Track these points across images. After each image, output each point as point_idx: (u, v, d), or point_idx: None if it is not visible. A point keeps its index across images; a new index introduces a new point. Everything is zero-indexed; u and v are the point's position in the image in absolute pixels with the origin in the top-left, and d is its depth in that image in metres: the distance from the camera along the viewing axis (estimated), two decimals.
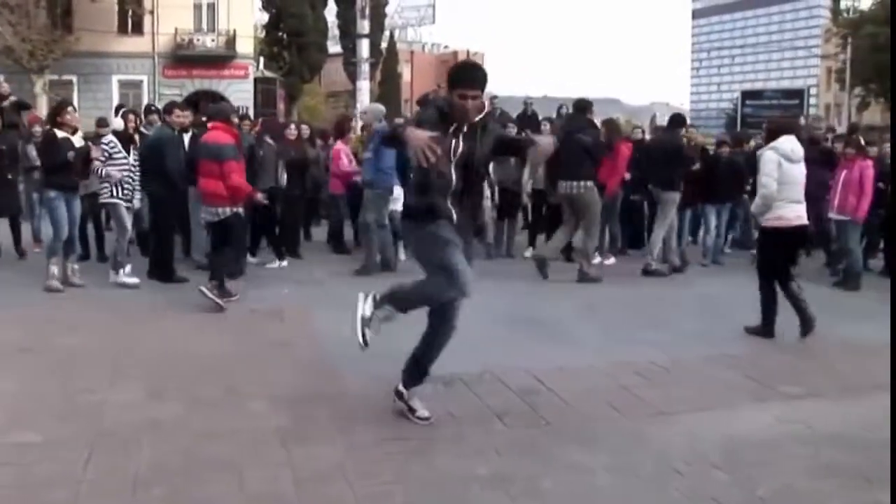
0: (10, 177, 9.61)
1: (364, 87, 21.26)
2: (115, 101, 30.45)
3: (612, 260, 10.62)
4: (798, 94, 25.96)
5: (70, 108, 8.44)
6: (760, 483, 3.96)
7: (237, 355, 5.97)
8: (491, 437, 4.50)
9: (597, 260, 10.49)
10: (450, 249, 4.36)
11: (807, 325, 6.85)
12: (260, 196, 8.44)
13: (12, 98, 12.56)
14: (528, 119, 15.68)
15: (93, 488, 3.79)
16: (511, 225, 11.40)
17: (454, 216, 4.41)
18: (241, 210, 7.98)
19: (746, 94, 26.65)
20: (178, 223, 9.63)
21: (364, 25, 21.72)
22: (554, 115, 14.52)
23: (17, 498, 3.70)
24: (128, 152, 8.51)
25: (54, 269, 8.24)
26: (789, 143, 7.05)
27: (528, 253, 10.95)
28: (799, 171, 7.07)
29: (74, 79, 32.50)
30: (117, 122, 9.01)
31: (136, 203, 8.77)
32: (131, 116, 9.05)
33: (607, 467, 4.12)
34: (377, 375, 5.13)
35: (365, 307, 4.55)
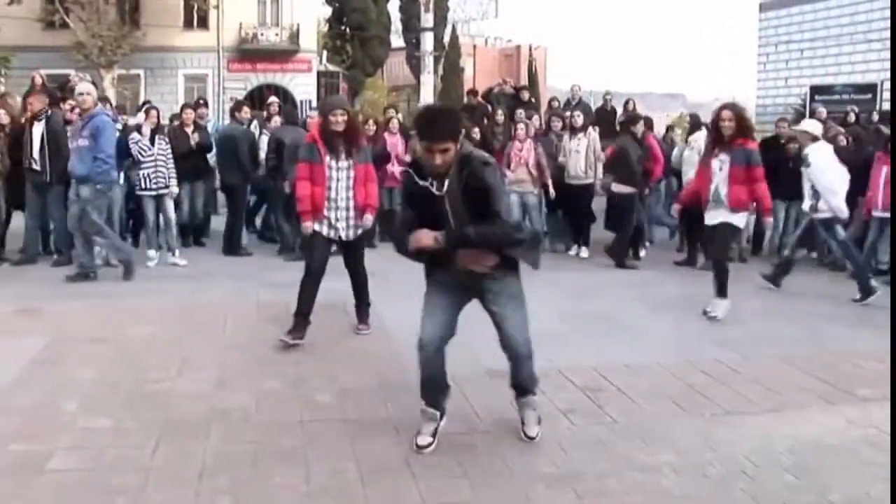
0: None
1: (428, 80, 21.22)
2: (182, 95, 31.15)
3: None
4: (871, 88, 25.11)
5: (108, 105, 9.61)
6: (833, 489, 3.85)
7: (303, 347, 6.02)
8: (557, 434, 4.46)
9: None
10: (426, 316, 4.24)
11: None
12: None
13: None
14: (607, 113, 15.51)
15: (160, 475, 3.87)
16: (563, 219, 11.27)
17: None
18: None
19: (815, 89, 25.90)
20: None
21: (428, 18, 21.69)
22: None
23: (88, 481, 3.81)
24: (153, 144, 9.27)
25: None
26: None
27: (584, 253, 10.73)
28: None
29: (142, 73, 33.19)
30: (139, 117, 9.87)
31: (174, 189, 9.55)
32: (153, 112, 9.64)
33: (674, 467, 4.07)
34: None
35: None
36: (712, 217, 7.32)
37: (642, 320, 7.06)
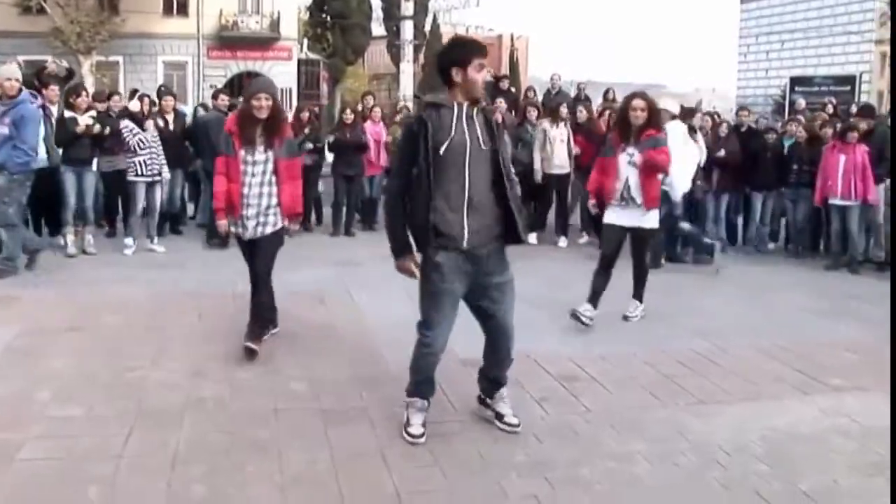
0: None
1: (407, 69, 21.15)
2: (161, 82, 30.84)
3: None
4: (850, 80, 25.30)
5: (83, 92, 9.32)
6: (804, 477, 3.88)
7: (279, 337, 5.99)
8: (531, 423, 4.46)
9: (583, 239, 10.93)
10: (437, 300, 4.10)
11: None
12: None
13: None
14: (580, 102, 15.53)
15: (132, 463, 3.86)
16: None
17: (465, 235, 4.03)
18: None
19: (795, 81, 26.05)
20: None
21: (408, 7, 21.63)
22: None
23: (61, 469, 3.79)
24: (143, 130, 9.31)
25: (70, 237, 9.01)
26: None
27: (563, 242, 10.79)
28: None
29: (121, 60, 32.87)
30: (133, 105, 9.89)
31: (167, 176, 9.67)
32: (146, 99, 9.90)
33: (647, 456, 4.09)
34: None
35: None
36: (619, 217, 6.58)
37: (620, 310, 7.07)
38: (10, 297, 6.98)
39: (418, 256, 4.16)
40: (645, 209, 6.50)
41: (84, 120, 8.92)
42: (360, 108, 12.17)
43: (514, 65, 60.08)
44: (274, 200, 5.53)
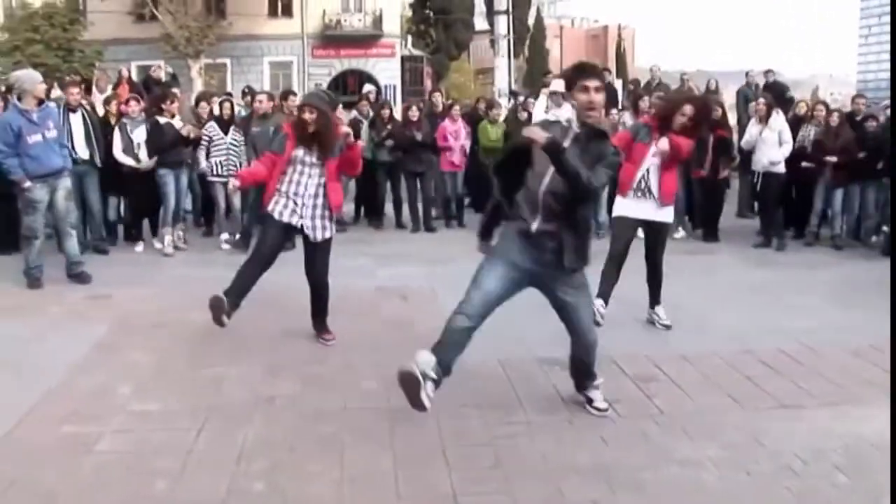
0: None
1: (502, 64, 20.87)
2: (267, 83, 31.70)
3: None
4: None
5: (174, 97, 9.80)
6: (886, 491, 3.63)
7: (359, 333, 6.03)
8: (600, 425, 4.38)
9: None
10: (484, 263, 4.40)
11: None
12: None
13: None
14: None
15: (200, 458, 3.96)
16: None
17: (531, 224, 4.22)
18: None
19: None
20: None
21: (501, 1, 21.42)
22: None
23: (132, 463, 3.93)
24: (226, 134, 9.61)
25: (167, 238, 9.31)
26: None
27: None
28: None
29: (228, 62, 33.92)
30: (216, 109, 10.15)
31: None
32: (227, 104, 10.02)
33: (716, 462, 3.94)
34: (493, 358, 5.10)
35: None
36: (635, 209, 6.26)
37: (708, 307, 6.84)
38: (104, 295, 7.26)
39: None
40: (660, 203, 6.21)
41: (188, 129, 9.30)
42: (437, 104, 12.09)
43: (620, 56, 59.16)
44: (327, 204, 5.73)
